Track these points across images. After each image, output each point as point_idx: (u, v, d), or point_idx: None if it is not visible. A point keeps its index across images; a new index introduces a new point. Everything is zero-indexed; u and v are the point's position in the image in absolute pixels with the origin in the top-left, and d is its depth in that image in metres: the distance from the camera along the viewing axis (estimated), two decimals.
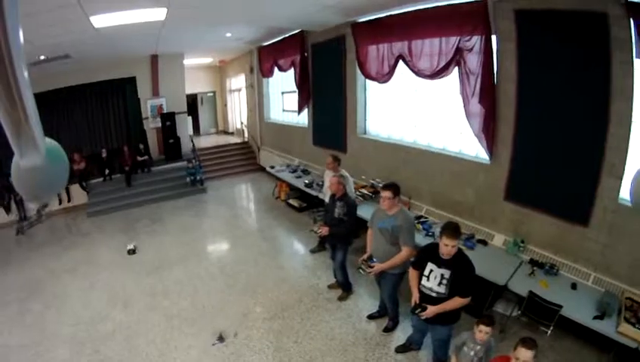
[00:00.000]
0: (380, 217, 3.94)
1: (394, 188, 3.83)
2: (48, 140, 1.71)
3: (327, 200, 5.63)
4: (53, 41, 7.26)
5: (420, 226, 5.29)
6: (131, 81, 12.27)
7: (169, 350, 4.43)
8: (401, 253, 3.77)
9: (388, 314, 4.34)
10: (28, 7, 4.75)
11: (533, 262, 4.36)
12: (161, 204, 10.29)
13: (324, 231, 4.75)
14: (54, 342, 5.00)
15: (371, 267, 3.91)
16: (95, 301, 5.88)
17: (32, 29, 5.97)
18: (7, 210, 10.28)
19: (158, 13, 6.35)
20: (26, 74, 1.27)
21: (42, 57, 8.44)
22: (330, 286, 5.20)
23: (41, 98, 11.70)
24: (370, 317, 4.55)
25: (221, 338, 4.44)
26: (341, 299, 4.95)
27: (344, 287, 5.02)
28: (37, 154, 1.55)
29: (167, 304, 5.42)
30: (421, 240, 4.80)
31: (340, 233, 4.70)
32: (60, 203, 10.82)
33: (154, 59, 12.03)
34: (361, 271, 4.05)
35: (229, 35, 9.48)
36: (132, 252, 7.33)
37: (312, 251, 6.34)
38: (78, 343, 4.89)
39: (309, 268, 5.85)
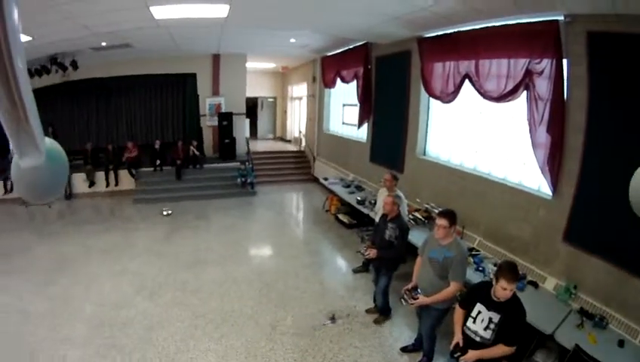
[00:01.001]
0: (432, 246, 3.77)
1: (451, 216, 3.66)
2: (49, 140, 1.75)
3: (378, 217, 5.60)
4: (113, 29, 7.75)
5: (472, 260, 5.06)
6: (192, 77, 12.91)
7: (186, 349, 4.53)
8: (449, 288, 3.59)
9: (423, 349, 4.16)
10: None
11: (583, 312, 4.05)
12: (208, 202, 10.68)
13: (372, 253, 4.66)
14: (73, 318, 5.24)
15: (415, 299, 3.77)
16: (124, 285, 6.11)
17: (91, 15, 6.41)
18: None
19: (221, 10, 6.55)
20: (26, 73, 1.29)
21: (103, 44, 9.03)
22: (367, 311, 5.10)
23: (100, 83, 12.89)
24: (404, 349, 4.41)
25: (333, 319, 4.61)
26: (377, 322, 4.87)
27: (382, 311, 4.93)
28: (37, 154, 1.58)
29: (196, 302, 5.55)
30: (470, 275, 4.60)
31: (388, 257, 4.61)
32: (108, 185, 11.77)
33: (216, 58, 12.65)
34: (403, 301, 3.91)
35: (293, 40, 9.76)
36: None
37: (355, 271, 6.28)
38: (97, 324, 5.08)
39: (349, 289, 5.78)
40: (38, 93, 7.74)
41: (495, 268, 4.09)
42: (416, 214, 6.37)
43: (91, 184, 11.94)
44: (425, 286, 3.78)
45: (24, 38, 7.24)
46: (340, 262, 6.93)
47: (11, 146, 1.56)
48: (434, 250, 3.73)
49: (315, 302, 5.44)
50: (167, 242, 7.90)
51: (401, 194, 5.44)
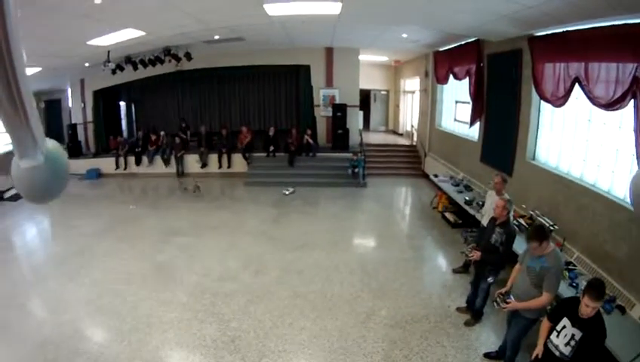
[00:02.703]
0: (532, 255, 3.93)
1: (538, 235, 3.74)
2: (49, 141, 1.88)
3: (484, 221, 5.85)
4: (227, 24, 8.68)
5: (567, 274, 5.06)
6: (305, 69, 13.86)
7: (282, 325, 5.18)
8: (541, 297, 3.74)
9: (505, 358, 4.36)
10: None
11: None
12: (318, 189, 11.55)
13: (476, 256, 4.87)
14: (175, 285, 6.20)
15: (507, 303, 4.00)
16: (230, 260, 7.01)
17: (206, 12, 7.28)
18: (167, 163, 13.64)
19: (333, 7, 7.05)
20: (26, 75, 1.39)
21: (216, 37, 10.05)
22: (458, 309, 5.45)
23: (213, 72, 14.64)
24: (487, 355, 4.61)
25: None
26: (468, 324, 5.16)
27: (475, 314, 5.23)
28: (37, 154, 1.69)
29: (297, 283, 6.26)
30: (563, 289, 4.66)
31: (491, 261, 4.82)
32: (220, 167, 13.36)
33: (329, 51, 13.54)
34: (495, 304, 4.15)
35: (405, 35, 10.18)
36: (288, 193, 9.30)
37: (455, 271, 6.61)
38: (199, 292, 5.97)
39: (446, 287, 6.15)
40: (152, 80, 10.82)
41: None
42: (521, 220, 6.43)
43: (204, 165, 13.67)
44: (519, 292, 3.99)
45: (137, 33, 8.54)
46: (441, 260, 7.33)
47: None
48: (532, 259, 3.89)
49: (411, 296, 5.87)
50: (275, 224, 8.85)
51: (509, 197, 5.51)
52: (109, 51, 10.34)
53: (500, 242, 4.73)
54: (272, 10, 7.28)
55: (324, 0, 6.75)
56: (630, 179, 2.53)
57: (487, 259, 4.83)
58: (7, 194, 12.64)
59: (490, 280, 4.87)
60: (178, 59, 11.99)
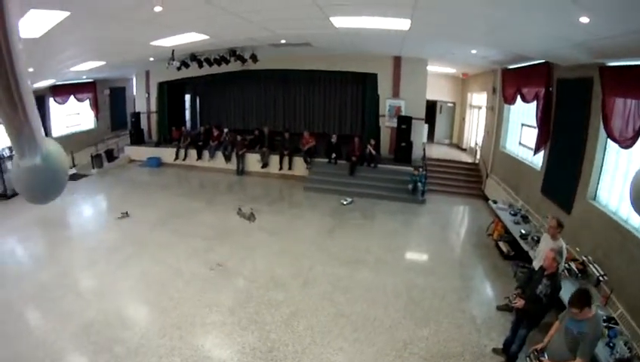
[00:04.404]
0: (572, 316, 4.01)
1: (579, 301, 3.85)
2: (51, 142, 1.93)
3: (535, 263, 5.89)
4: (294, 33, 9.03)
5: (606, 332, 4.94)
6: (372, 77, 13.98)
7: (321, 343, 5.48)
8: None
9: None
10: (265, 3, 6.25)
11: None
12: (376, 202, 11.75)
13: (520, 304, 4.96)
14: (222, 287, 6.61)
15: (540, 361, 4.12)
16: (279, 268, 7.36)
17: (273, 21, 7.63)
18: (228, 159, 14.37)
19: (402, 24, 7.22)
20: (26, 75, 1.41)
21: (283, 41, 10.41)
22: (494, 351, 5.53)
23: (279, 74, 15.34)
24: None
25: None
26: None
27: (509, 359, 5.26)
28: (37, 154, 1.73)
29: (342, 301, 6.54)
30: (599, 348, 4.55)
31: (533, 313, 4.90)
32: (281, 168, 13.86)
33: (397, 60, 13.62)
34: (528, 359, 4.28)
35: (474, 52, 10.22)
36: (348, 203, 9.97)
37: (499, 308, 6.64)
38: (245, 297, 6.36)
39: (486, 325, 6.20)
40: (217, 76, 12.07)
41: (626, 349, 4.35)
42: (572, 265, 6.32)
43: (264, 165, 14.29)
44: (552, 352, 4.11)
45: (200, 36, 8.98)
46: (488, 294, 7.36)
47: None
48: (572, 321, 3.99)
49: (451, 330, 6.01)
50: (329, 235, 9.17)
51: (563, 244, 5.58)
52: (173, 50, 10.96)
53: (544, 294, 4.79)
54: (338, 22, 7.55)
55: (393, 16, 6.89)
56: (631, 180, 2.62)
57: (530, 309, 4.92)
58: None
59: (526, 332, 4.98)
60: (244, 61, 12.52)
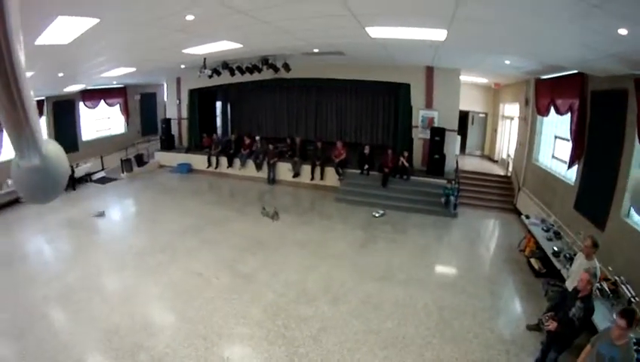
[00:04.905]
0: (605, 340, 3.97)
1: (631, 317, 3.80)
2: (50, 142, 1.91)
3: (568, 284, 5.81)
4: (328, 42, 9.09)
5: (635, 355, 4.65)
6: (405, 87, 13.92)
7: (351, 359, 5.49)
8: None
9: None
10: (300, 12, 6.25)
11: None
12: (408, 215, 11.72)
13: (552, 326, 4.91)
14: (252, 300, 6.66)
15: None
16: (310, 282, 7.37)
17: (306, 31, 7.70)
18: (259, 168, 14.58)
19: (439, 34, 7.23)
20: (26, 75, 1.40)
21: (315, 50, 10.52)
22: None
23: (311, 83, 15.47)
24: None
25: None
26: None
27: None
28: (37, 155, 1.72)
29: (373, 317, 6.50)
30: None
31: (564, 336, 4.85)
32: (312, 178, 13.92)
33: (429, 70, 13.51)
34: None
35: (507, 62, 10.13)
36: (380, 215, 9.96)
37: (529, 328, 6.53)
38: (274, 310, 6.39)
39: (516, 345, 6.09)
40: (249, 84, 12.42)
41: None
42: (604, 284, 6.18)
43: (296, 175, 14.39)
44: None
45: (233, 45, 9.09)
46: (518, 313, 7.22)
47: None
48: (604, 346, 3.94)
49: (481, 350, 5.92)
50: (361, 249, 9.17)
51: (597, 264, 5.51)
52: (205, 58, 11.17)
53: (577, 317, 4.73)
54: (374, 32, 7.58)
55: (430, 27, 6.90)
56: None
57: (561, 331, 4.86)
58: (95, 177, 14.65)
59: (556, 355, 4.94)
60: (276, 70, 12.64)
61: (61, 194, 2.24)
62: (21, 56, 1.31)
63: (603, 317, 5.37)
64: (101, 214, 10.82)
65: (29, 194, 2.25)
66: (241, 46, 9.40)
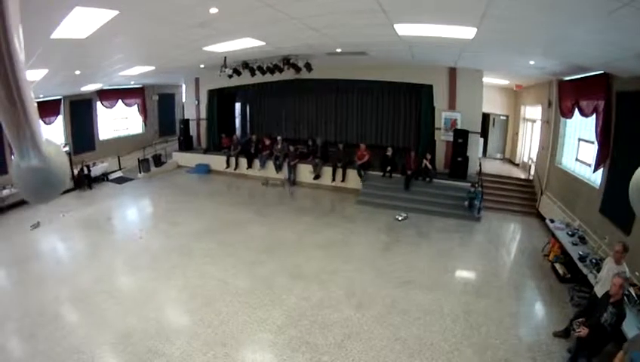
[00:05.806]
0: (638, 347, 3.96)
1: None
2: (50, 142, 1.95)
3: (597, 290, 5.73)
4: (354, 40, 9.01)
5: None
6: (428, 89, 13.85)
7: None
8: None
9: None
10: (330, 7, 6.17)
11: None
12: (431, 218, 11.61)
13: (583, 333, 4.87)
14: (273, 304, 6.57)
15: None
16: (333, 286, 7.26)
17: (333, 27, 7.63)
18: (279, 169, 14.67)
19: (468, 32, 7.16)
20: (26, 75, 1.41)
21: (338, 50, 10.48)
22: None
23: (333, 84, 15.48)
24: None
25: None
26: None
27: None
28: (37, 155, 1.75)
29: (399, 324, 6.37)
30: None
31: (595, 342, 4.80)
32: (333, 180, 13.93)
33: (452, 71, 13.44)
34: None
35: (532, 62, 10.03)
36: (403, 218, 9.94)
37: (555, 334, 6.43)
38: (297, 316, 6.26)
39: (542, 352, 5.97)
40: (269, 85, 12.34)
41: None
42: (631, 290, 6.05)
43: (317, 177, 14.38)
44: None
45: (256, 42, 9.03)
46: (544, 319, 7.09)
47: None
48: (638, 353, 3.91)
49: (508, 358, 5.77)
50: (383, 253, 9.09)
51: (627, 269, 5.46)
52: (225, 57, 11.15)
53: (609, 322, 4.68)
54: (402, 30, 7.53)
55: (460, 24, 6.86)
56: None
57: (593, 338, 4.80)
58: (112, 176, 14.92)
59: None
60: (298, 69, 12.59)
61: (61, 194, 2.31)
62: (21, 56, 1.33)
63: (630, 324, 5.26)
64: (36, 226, 10.42)
65: (28, 194, 2.26)
66: (264, 43, 9.32)
